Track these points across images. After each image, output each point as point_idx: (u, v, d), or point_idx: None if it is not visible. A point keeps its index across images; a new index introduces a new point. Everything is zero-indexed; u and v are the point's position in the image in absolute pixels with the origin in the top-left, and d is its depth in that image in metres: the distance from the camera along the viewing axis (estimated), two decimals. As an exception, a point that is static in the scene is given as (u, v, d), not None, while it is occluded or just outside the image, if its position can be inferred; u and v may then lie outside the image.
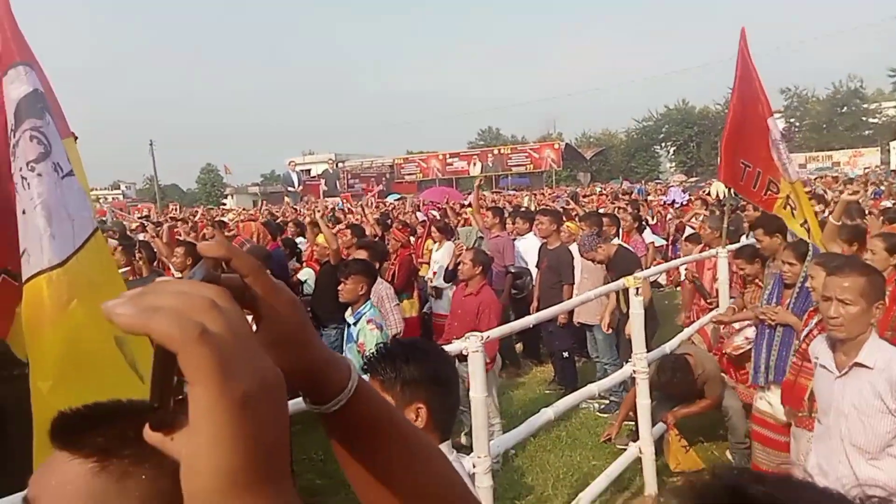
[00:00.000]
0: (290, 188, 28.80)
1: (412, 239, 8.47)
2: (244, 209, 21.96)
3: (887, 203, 9.19)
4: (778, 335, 4.12)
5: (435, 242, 7.83)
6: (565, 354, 6.37)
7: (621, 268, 5.40)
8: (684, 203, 11.11)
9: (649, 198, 16.90)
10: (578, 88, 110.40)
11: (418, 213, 11.29)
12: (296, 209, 17.17)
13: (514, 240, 7.89)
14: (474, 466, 3.01)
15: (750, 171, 5.19)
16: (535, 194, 17.55)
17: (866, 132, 45.39)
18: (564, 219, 8.13)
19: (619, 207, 10.54)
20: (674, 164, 53.66)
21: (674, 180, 32.03)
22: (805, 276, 3.96)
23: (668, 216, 11.55)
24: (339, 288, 4.36)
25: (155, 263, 6.45)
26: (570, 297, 5.48)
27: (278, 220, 10.88)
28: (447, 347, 3.13)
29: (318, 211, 8.55)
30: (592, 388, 4.12)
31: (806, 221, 4.73)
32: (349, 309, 4.39)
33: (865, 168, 28.29)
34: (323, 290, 6.02)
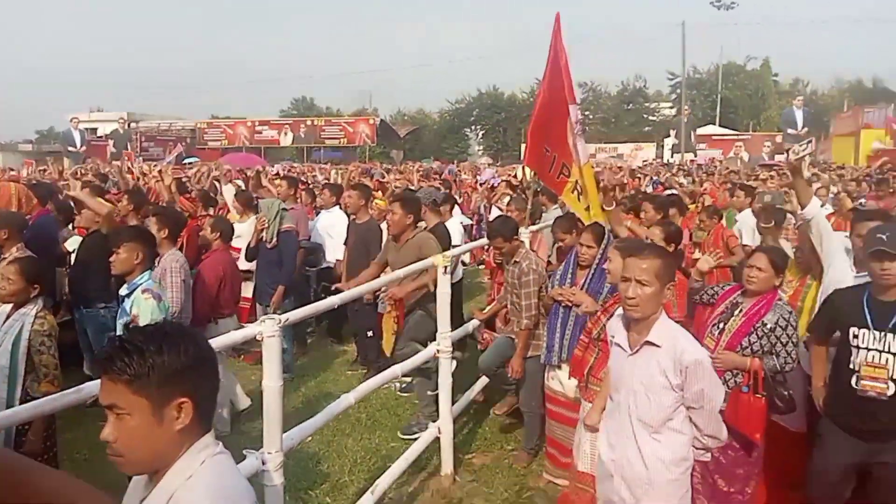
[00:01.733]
0: (70, 148, 25.51)
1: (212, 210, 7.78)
2: (10, 169, 18.97)
3: (669, 192, 10.19)
4: (572, 315, 4.28)
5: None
6: (370, 334, 6.20)
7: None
8: (496, 185, 11.48)
9: (462, 177, 17.36)
10: (395, 65, 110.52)
11: (217, 183, 10.43)
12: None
13: (319, 213, 7.56)
14: (263, 464, 2.72)
15: (548, 155, 5.35)
16: (346, 168, 17.18)
17: (646, 128, 50.76)
18: (378, 194, 7.99)
19: (432, 186, 10.61)
20: (482, 147, 55.98)
21: (481, 163, 33.34)
22: (600, 258, 4.14)
23: (476, 197, 11.90)
24: (112, 259, 3.79)
25: None
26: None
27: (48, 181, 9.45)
28: (238, 333, 2.79)
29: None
30: (396, 369, 4.00)
31: (588, 207, 4.97)
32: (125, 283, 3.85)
33: (644, 161, 31.61)
34: (87, 264, 5.25)
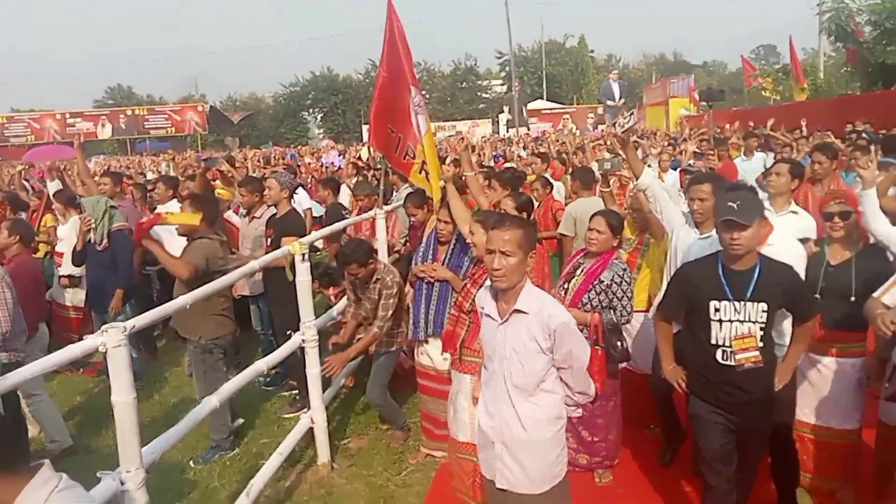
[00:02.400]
0: None
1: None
2: None
3: (509, 165, 10.57)
4: (435, 290, 4.32)
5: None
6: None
7: (284, 231, 5.14)
8: (340, 167, 11.24)
9: (306, 160, 16.86)
10: (221, 48, 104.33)
11: (26, 183, 9.33)
12: None
13: (154, 209, 7.01)
14: (123, 484, 2.48)
15: (393, 136, 5.34)
16: (175, 158, 16.06)
17: (481, 105, 52.42)
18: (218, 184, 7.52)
19: (274, 171, 10.20)
20: (322, 130, 54.86)
21: (322, 145, 32.67)
22: (459, 233, 4.20)
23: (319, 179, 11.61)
24: None
25: None
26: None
27: None
28: (77, 346, 2.49)
29: None
30: (260, 364, 3.81)
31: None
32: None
33: (482, 136, 32.67)
34: None
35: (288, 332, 4.35)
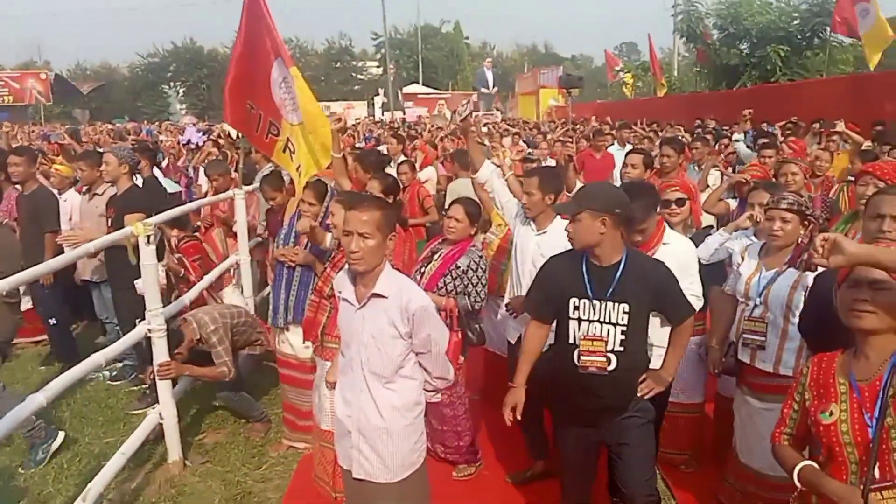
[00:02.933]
0: None
1: None
2: None
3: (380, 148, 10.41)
4: (297, 276, 4.14)
5: None
6: (52, 321, 5.32)
7: (125, 210, 4.71)
8: (201, 144, 10.54)
9: (161, 139, 15.75)
10: (68, 8, 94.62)
11: None
12: None
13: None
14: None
15: (254, 113, 5.01)
16: (12, 131, 14.49)
17: (356, 87, 51.57)
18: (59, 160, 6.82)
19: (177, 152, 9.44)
20: (185, 105, 51.69)
21: (185, 122, 30.76)
22: (324, 215, 4.03)
23: (182, 160, 10.88)
24: None
25: None
26: (54, 247, 4.55)
27: None
28: None
29: None
30: (98, 357, 3.45)
31: (300, 166, 4.82)
32: None
33: (356, 119, 32.18)
34: None
35: (136, 321, 3.99)
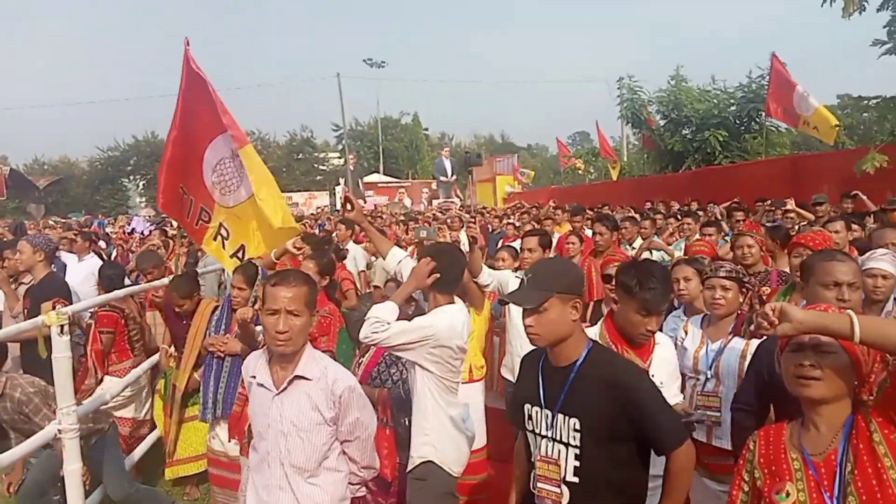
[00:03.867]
0: None
1: None
2: None
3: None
4: (226, 366, 3.89)
5: None
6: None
7: (42, 298, 4.42)
8: (146, 234, 10.34)
9: (109, 230, 15.43)
10: (22, 104, 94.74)
11: None
12: None
13: None
14: None
15: (186, 198, 4.85)
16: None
17: (318, 177, 52.09)
18: None
19: (69, 238, 9.16)
20: (144, 199, 51.35)
21: (142, 215, 30.45)
22: (255, 298, 3.83)
23: (132, 248, 10.63)
24: None
25: None
26: None
27: None
28: None
29: None
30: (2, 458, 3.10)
31: (242, 247, 4.63)
32: None
33: (317, 208, 32.23)
34: None
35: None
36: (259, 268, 4.00)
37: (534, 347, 2.28)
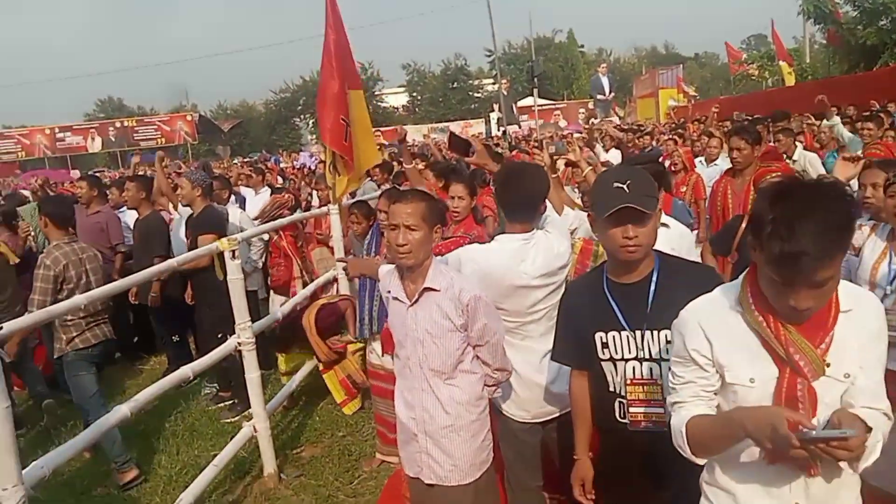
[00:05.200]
0: None
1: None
2: None
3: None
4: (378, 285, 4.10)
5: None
6: (175, 339, 5.64)
7: (200, 230, 4.96)
8: (313, 168, 11.05)
9: (282, 165, 16.71)
10: (208, 53, 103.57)
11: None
12: None
13: (122, 212, 6.78)
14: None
15: (348, 129, 5.09)
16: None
17: (473, 105, 52.14)
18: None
19: (245, 174, 10.05)
20: (314, 135, 54.66)
21: (313, 150, 32.48)
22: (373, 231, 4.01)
23: (303, 182, 11.45)
24: None
25: None
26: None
27: None
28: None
29: None
30: (186, 370, 3.58)
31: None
32: None
33: (472, 136, 32.45)
34: None
35: (219, 335, 4.12)
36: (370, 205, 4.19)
37: (575, 279, 2.31)
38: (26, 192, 10.47)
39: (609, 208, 1.96)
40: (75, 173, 19.47)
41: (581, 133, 17.20)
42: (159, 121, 41.42)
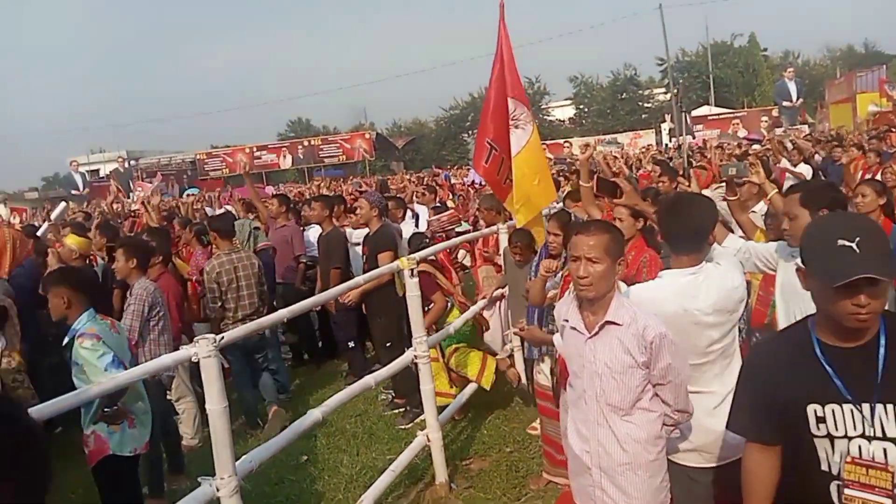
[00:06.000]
0: (73, 191, 25.62)
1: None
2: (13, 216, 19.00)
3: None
4: (547, 307, 4.14)
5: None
6: (350, 344, 6.09)
7: (376, 248, 5.33)
8: (483, 184, 11.33)
9: (452, 181, 17.27)
10: (385, 75, 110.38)
11: (208, 209, 10.43)
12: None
13: (304, 230, 7.48)
14: (218, 490, 2.59)
15: (496, 154, 5.16)
16: (329, 184, 17.15)
17: (643, 116, 50.42)
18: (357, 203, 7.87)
19: (420, 192, 10.54)
20: (481, 151, 55.80)
21: (480, 166, 33.19)
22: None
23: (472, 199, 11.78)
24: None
25: None
26: (340, 281, 5.30)
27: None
28: (170, 356, 2.69)
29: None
30: (369, 380, 3.85)
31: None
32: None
33: (642, 148, 31.31)
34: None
35: (387, 343, 4.39)
36: (571, 214, 4.15)
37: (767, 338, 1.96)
38: (229, 208, 11.79)
39: (838, 277, 1.69)
40: (269, 189, 21.56)
41: (761, 142, 15.98)
42: (341, 139, 44.53)
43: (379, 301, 5.30)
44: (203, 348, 2.50)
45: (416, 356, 4.17)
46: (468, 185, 11.85)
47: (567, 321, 2.62)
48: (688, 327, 2.57)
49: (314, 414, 3.31)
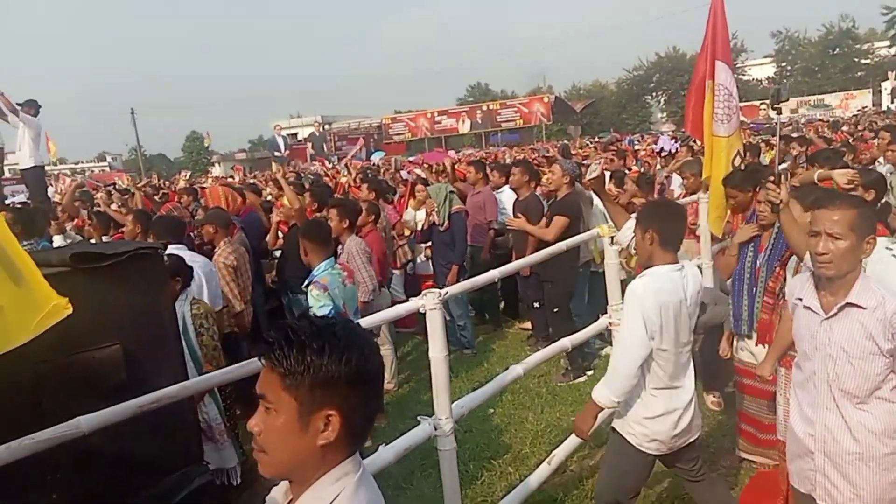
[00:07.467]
0: (276, 153, 28.28)
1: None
2: (230, 176, 21.51)
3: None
4: (760, 279, 3.95)
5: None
6: (536, 305, 6.24)
7: (556, 212, 5.54)
8: (673, 152, 10.76)
9: (637, 147, 16.60)
10: (566, 38, 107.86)
11: (402, 173, 11.04)
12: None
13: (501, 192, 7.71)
14: (436, 429, 2.87)
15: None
16: (514, 149, 17.25)
17: (858, 73, 44.72)
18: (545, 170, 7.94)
19: (608, 158, 10.31)
20: (665, 113, 52.98)
21: (664, 130, 31.58)
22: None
23: (657, 166, 11.27)
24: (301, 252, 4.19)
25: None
26: (536, 248, 5.50)
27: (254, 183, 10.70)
28: (402, 306, 2.98)
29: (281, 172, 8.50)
30: (566, 342, 3.97)
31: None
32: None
33: (857, 110, 27.87)
34: (290, 255, 5.82)
35: (555, 309, 4.76)
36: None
37: None
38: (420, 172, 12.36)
39: None
40: (451, 153, 22.27)
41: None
42: (519, 103, 44.46)
43: (553, 267, 5.37)
44: (430, 300, 2.75)
45: (610, 323, 4.21)
46: (657, 153, 11.32)
47: (800, 300, 2.50)
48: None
49: (516, 370, 3.49)
